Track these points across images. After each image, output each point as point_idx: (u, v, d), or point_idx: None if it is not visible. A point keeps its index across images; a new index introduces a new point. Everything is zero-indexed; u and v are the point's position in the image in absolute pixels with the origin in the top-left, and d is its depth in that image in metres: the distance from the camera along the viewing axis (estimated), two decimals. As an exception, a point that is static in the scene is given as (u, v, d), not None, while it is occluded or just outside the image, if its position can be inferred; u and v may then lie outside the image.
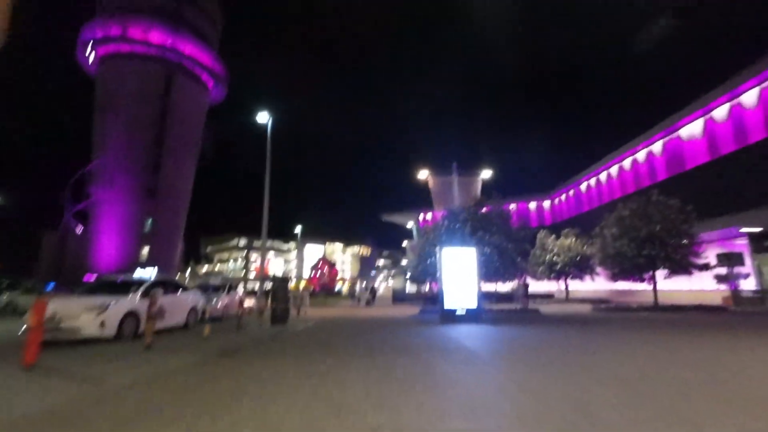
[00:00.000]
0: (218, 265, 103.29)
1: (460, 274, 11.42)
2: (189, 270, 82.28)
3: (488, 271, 14.17)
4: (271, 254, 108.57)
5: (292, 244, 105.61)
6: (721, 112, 25.27)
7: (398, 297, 27.74)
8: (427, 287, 30.54)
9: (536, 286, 32.48)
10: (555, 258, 23.83)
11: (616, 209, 16.35)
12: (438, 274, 11.89)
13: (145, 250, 41.29)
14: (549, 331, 8.87)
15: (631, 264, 14.85)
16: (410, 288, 33.95)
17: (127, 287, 8.73)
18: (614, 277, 16.27)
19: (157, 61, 41.96)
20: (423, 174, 21.10)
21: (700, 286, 20.26)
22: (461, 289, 11.35)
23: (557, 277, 24.75)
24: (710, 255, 17.67)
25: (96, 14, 42.34)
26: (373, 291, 31.74)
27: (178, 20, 43.01)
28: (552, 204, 51.05)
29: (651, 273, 15.22)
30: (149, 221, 41.17)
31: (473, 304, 11.22)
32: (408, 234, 52.20)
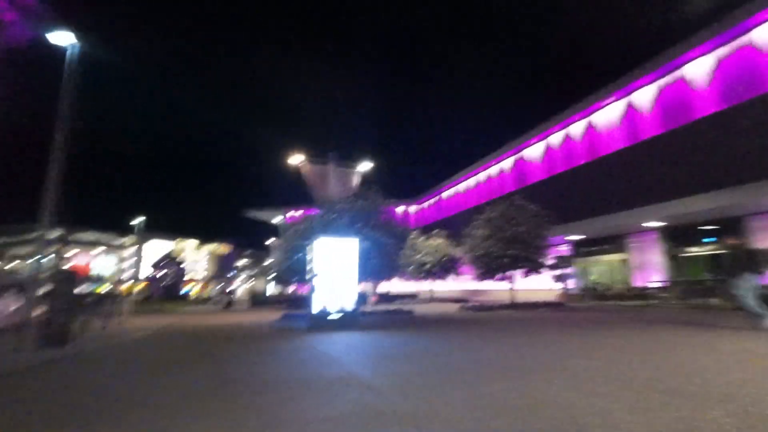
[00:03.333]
0: (16, 261, 78.37)
1: (337, 271, 9.50)
2: (-41, 268, 60.54)
3: (365, 270, 12.64)
4: (98, 250, 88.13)
5: (130, 239, 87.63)
6: (556, 139, 29.87)
7: (258, 300, 24.32)
8: (292, 289, 27.81)
9: (400, 286, 33.12)
10: (424, 258, 24.21)
11: (485, 212, 16.97)
12: (309, 271, 9.74)
13: None
14: (445, 339, 7.61)
15: (497, 263, 15.40)
16: (274, 290, 30.63)
17: None
18: (480, 276, 16.79)
19: None
20: (296, 159, 18.60)
21: (539, 285, 23.09)
22: (337, 288, 9.42)
23: (426, 278, 25.24)
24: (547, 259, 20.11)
25: None
26: (231, 294, 27.72)
27: None
28: (418, 210, 54.03)
29: (511, 272, 16.11)
30: None
31: (350, 305, 9.41)
32: (275, 232, 48.04)
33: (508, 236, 15.03)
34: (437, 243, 24.84)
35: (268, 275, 27.65)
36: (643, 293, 17.51)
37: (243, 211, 53.03)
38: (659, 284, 18.55)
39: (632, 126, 23.21)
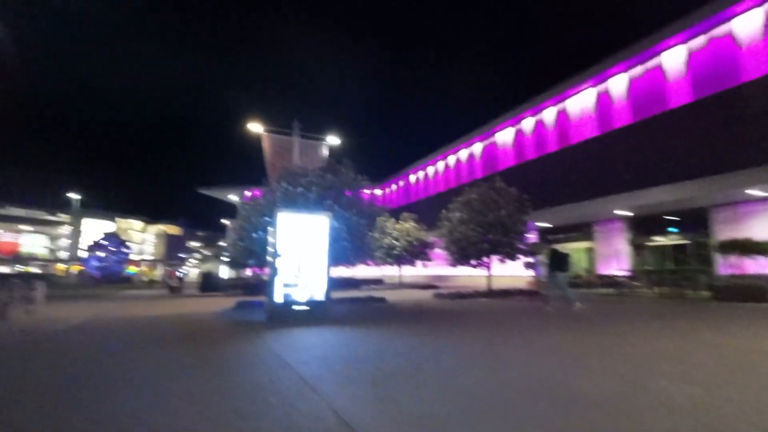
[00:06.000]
0: None
1: (304, 252, 7.88)
2: None
3: (334, 252, 11.07)
4: (27, 228, 79.15)
5: (64, 217, 79.41)
6: (527, 125, 29.38)
7: (209, 285, 21.88)
8: (249, 273, 25.61)
9: (363, 271, 31.88)
10: (394, 242, 22.95)
11: (463, 194, 15.84)
12: (270, 252, 8.07)
13: None
14: (441, 341, 6.30)
15: (475, 249, 14.40)
16: (229, 274, 28.24)
17: None
18: (455, 262, 15.76)
19: None
20: (256, 127, 16.41)
21: (508, 271, 22.73)
22: (304, 272, 7.82)
23: (394, 262, 24.03)
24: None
25: None
26: (180, 278, 25.19)
27: None
28: (384, 193, 52.66)
29: (488, 258, 15.22)
30: None
31: (321, 294, 7.86)
32: (232, 212, 44.81)
33: (489, 220, 14.02)
34: (407, 226, 23.64)
35: (223, 257, 25.31)
36: (613, 282, 17.36)
37: (196, 188, 49.13)
38: (627, 273, 18.51)
39: (604, 114, 23.01)
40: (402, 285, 24.67)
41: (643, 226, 20.41)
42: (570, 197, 22.43)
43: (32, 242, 79.55)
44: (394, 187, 50.19)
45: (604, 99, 22.92)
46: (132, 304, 14.55)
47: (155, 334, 6.91)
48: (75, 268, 54.79)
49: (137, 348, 5.54)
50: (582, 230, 23.95)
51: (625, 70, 21.53)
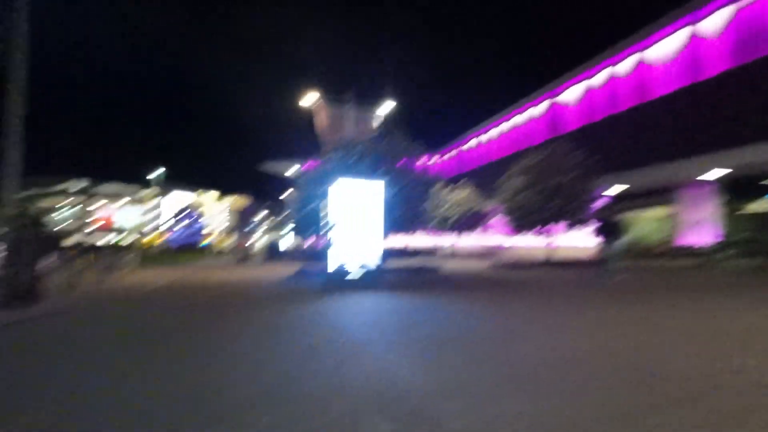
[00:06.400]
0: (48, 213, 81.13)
1: (359, 219, 8.01)
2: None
3: (389, 221, 11.13)
4: (121, 202, 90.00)
5: (152, 191, 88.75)
6: (598, 80, 26.49)
7: (273, 254, 23.41)
8: (310, 242, 26.89)
9: (418, 240, 31.92)
10: (450, 211, 22.58)
11: (523, 159, 14.90)
12: (324, 222, 8.33)
13: None
14: (497, 311, 6.16)
15: (536, 217, 13.65)
16: (291, 243, 29.89)
17: None
18: (515, 231, 15.13)
19: None
20: (310, 99, 16.62)
21: (571, 241, 21.34)
22: (359, 240, 7.98)
23: (450, 232, 23.76)
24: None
25: None
26: (248, 247, 27.20)
27: None
28: (438, 162, 51.56)
29: (549, 227, 14.39)
30: None
31: (375, 262, 8.01)
32: (291, 184, 46.88)
33: (551, 186, 13.11)
34: (463, 195, 23.04)
35: (285, 228, 26.70)
36: (694, 252, 15.59)
37: (259, 164, 51.89)
38: (713, 243, 16.50)
39: (695, 61, 19.92)
40: (457, 254, 24.41)
41: (736, 189, 17.89)
42: (649, 159, 20.16)
43: (123, 215, 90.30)
44: (450, 155, 48.86)
45: (696, 42, 19.77)
46: (207, 270, 16.07)
47: (225, 296, 7.60)
48: (160, 238, 61.58)
49: (208, 308, 6.12)
50: (662, 195, 21.61)
51: (727, 4, 18.24)
